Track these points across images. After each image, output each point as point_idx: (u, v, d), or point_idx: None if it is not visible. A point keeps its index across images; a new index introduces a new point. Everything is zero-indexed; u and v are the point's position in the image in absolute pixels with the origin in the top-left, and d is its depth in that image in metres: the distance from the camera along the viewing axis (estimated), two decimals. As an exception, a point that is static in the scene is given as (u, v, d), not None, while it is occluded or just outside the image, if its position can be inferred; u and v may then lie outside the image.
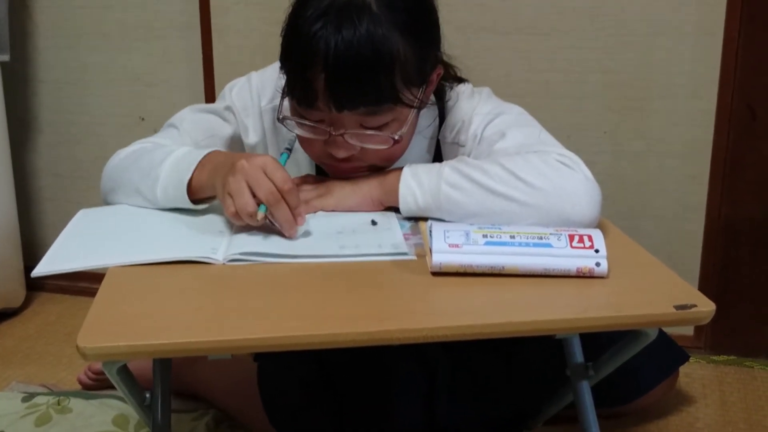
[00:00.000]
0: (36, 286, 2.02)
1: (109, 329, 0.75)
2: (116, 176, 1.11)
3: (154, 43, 1.85)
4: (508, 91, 1.59)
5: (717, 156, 1.59)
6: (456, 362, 1.27)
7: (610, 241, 0.91)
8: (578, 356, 1.07)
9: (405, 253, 0.93)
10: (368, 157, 1.07)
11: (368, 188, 1.07)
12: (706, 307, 0.79)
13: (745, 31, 1.51)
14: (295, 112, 1.06)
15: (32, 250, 2.01)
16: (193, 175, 1.02)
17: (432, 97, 1.13)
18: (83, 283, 1.97)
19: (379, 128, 1.03)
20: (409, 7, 1.01)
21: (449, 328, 0.77)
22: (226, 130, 1.20)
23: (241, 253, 0.91)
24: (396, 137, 1.04)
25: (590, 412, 1.04)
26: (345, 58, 0.96)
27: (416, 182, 1.01)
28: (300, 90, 1.01)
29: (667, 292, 0.82)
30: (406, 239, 0.97)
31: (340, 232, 0.98)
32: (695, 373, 1.60)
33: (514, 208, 0.95)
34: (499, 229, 0.89)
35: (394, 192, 1.03)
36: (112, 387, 1.36)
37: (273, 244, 0.94)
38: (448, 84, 1.18)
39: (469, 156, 1.07)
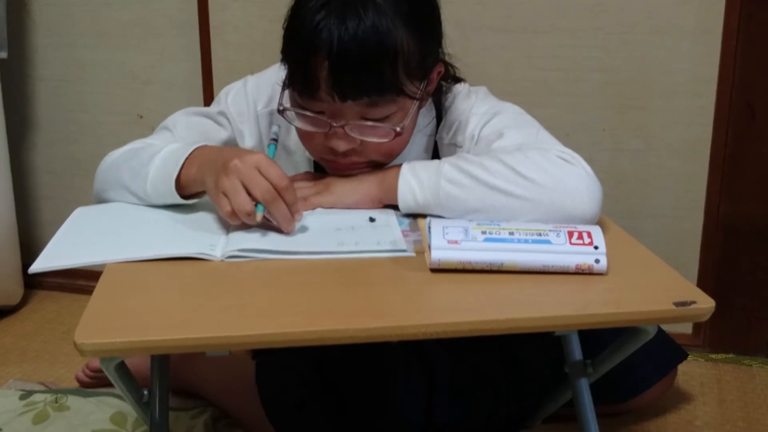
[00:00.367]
0: (33, 284, 2.02)
1: (106, 325, 0.75)
2: (108, 176, 1.11)
3: (153, 40, 1.85)
4: (508, 89, 1.59)
5: (716, 154, 1.59)
6: (455, 359, 1.27)
7: (610, 237, 0.90)
8: (577, 353, 1.07)
9: (404, 250, 0.92)
10: (368, 152, 1.06)
11: (367, 186, 1.07)
12: (706, 303, 0.79)
13: (744, 29, 1.51)
14: (295, 104, 1.06)
15: (30, 247, 2.01)
16: (181, 170, 1.02)
17: (429, 99, 1.13)
18: (81, 281, 1.96)
19: (380, 121, 1.03)
20: (413, 1, 1.01)
21: (448, 324, 0.76)
22: (221, 134, 1.19)
23: (239, 250, 0.91)
24: (398, 129, 1.03)
25: (589, 409, 1.04)
26: (349, 47, 0.96)
27: (415, 179, 1.01)
28: (302, 79, 1.01)
29: (666, 289, 0.82)
30: (404, 236, 0.97)
31: (338, 229, 0.98)
32: (694, 371, 1.60)
33: (515, 204, 0.95)
34: (498, 225, 0.89)
35: (393, 190, 1.02)
36: (110, 385, 1.36)
37: (271, 241, 0.94)
38: (445, 84, 1.18)
39: None
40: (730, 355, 1.67)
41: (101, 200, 1.13)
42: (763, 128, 1.55)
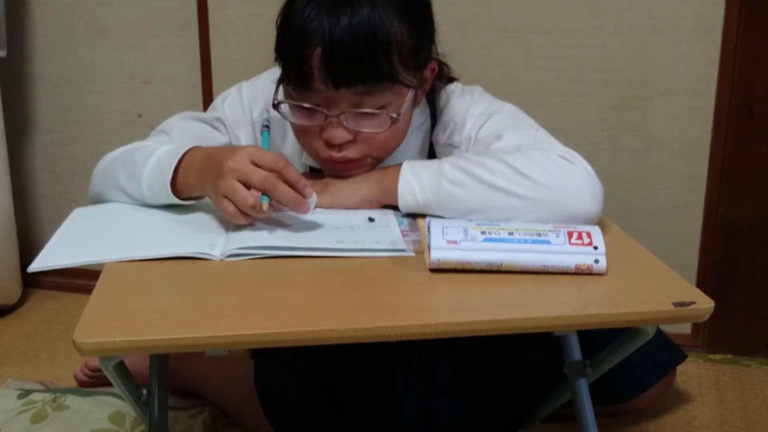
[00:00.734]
0: (32, 283, 2.02)
1: (106, 325, 0.75)
2: (104, 179, 1.11)
3: (152, 40, 1.85)
4: (507, 89, 1.59)
5: (715, 154, 1.59)
6: (454, 359, 1.27)
7: (609, 238, 0.90)
8: (576, 354, 1.07)
9: (403, 250, 0.92)
10: (364, 145, 1.06)
11: (367, 187, 1.07)
12: (705, 304, 0.79)
13: (743, 29, 1.51)
14: (290, 99, 1.06)
15: (29, 247, 2.01)
16: (177, 176, 1.02)
17: (423, 99, 1.13)
18: (80, 280, 1.96)
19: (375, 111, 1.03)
20: None
21: (447, 324, 0.77)
22: (218, 139, 1.19)
23: (239, 248, 0.91)
24: (394, 116, 1.03)
25: (588, 410, 1.04)
26: (342, 34, 0.96)
27: (415, 179, 1.01)
28: (296, 70, 1.01)
29: (665, 290, 0.82)
30: (404, 236, 0.97)
31: (337, 228, 0.98)
32: (692, 372, 1.60)
33: (516, 204, 0.95)
34: (498, 225, 0.89)
35: (393, 190, 1.03)
36: (109, 384, 1.36)
37: (271, 238, 0.94)
38: (439, 84, 1.18)
39: None
40: (729, 356, 1.67)
41: (97, 202, 1.13)
42: (762, 128, 1.55)
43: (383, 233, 0.97)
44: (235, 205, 0.93)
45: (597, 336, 0.98)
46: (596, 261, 0.86)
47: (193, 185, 1.01)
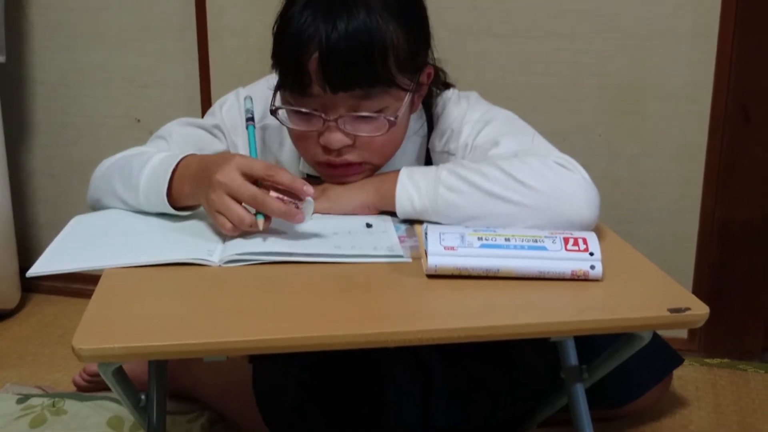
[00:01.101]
0: (31, 288, 2.02)
1: (104, 331, 0.75)
2: (101, 185, 1.11)
3: (150, 44, 1.85)
4: (504, 94, 1.60)
5: (711, 159, 1.60)
6: (451, 364, 1.27)
7: (605, 244, 0.91)
8: (572, 359, 1.07)
9: (400, 256, 0.93)
10: (362, 149, 1.06)
11: (365, 193, 1.07)
12: (700, 310, 0.80)
13: (739, 34, 1.52)
14: (287, 105, 1.06)
15: (27, 250, 2.01)
16: (172, 185, 1.02)
17: (420, 104, 1.14)
18: (78, 285, 1.96)
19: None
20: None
21: (444, 330, 0.77)
22: (216, 146, 1.19)
23: (237, 254, 0.91)
24: (391, 119, 1.04)
25: (584, 414, 1.04)
26: (339, 38, 0.97)
27: (413, 185, 1.02)
28: (293, 75, 1.02)
29: (661, 296, 0.83)
30: (401, 242, 0.97)
31: (335, 234, 0.98)
32: (689, 376, 1.61)
33: (513, 211, 0.96)
34: (494, 231, 0.89)
35: (390, 197, 1.03)
36: (107, 389, 1.35)
37: (269, 245, 0.94)
38: (436, 90, 1.19)
39: None
40: (726, 360, 1.68)
41: (96, 209, 1.13)
42: (758, 132, 1.56)
43: (381, 239, 0.97)
44: (231, 222, 0.93)
45: (593, 341, 0.98)
46: (592, 267, 0.86)
47: (188, 194, 1.01)
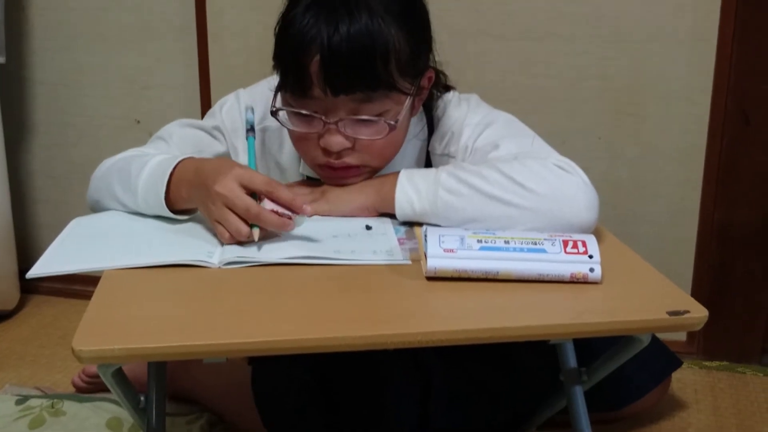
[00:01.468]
0: (30, 289, 2.02)
1: (104, 332, 0.75)
2: (101, 187, 1.12)
3: (150, 45, 1.85)
4: (503, 96, 1.60)
5: (711, 161, 1.60)
6: (450, 366, 1.27)
7: (604, 246, 0.91)
8: (572, 361, 1.07)
9: (399, 260, 0.93)
10: (362, 152, 1.06)
11: (364, 196, 1.07)
12: (699, 313, 0.80)
13: (738, 37, 1.52)
14: (288, 106, 1.06)
15: (27, 252, 2.01)
16: (170, 188, 1.02)
17: (420, 107, 1.14)
18: (77, 286, 1.96)
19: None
20: (403, 2, 1.03)
21: (444, 332, 0.77)
22: (216, 147, 1.20)
23: (237, 256, 0.91)
24: (392, 123, 1.04)
25: (583, 417, 1.05)
26: (341, 40, 0.97)
27: (413, 188, 1.02)
28: (295, 77, 1.02)
29: (660, 298, 0.83)
30: (401, 244, 0.97)
31: (335, 236, 0.99)
32: (687, 379, 1.61)
33: (513, 213, 0.96)
34: (494, 234, 0.89)
35: (390, 199, 1.03)
36: (107, 390, 1.36)
37: (268, 247, 0.94)
38: (436, 92, 1.19)
39: None
40: (724, 363, 1.68)
41: (95, 210, 1.13)
42: (757, 135, 1.56)
43: (380, 241, 0.97)
44: (229, 233, 0.94)
45: (592, 344, 0.99)
46: (591, 270, 0.86)
47: (185, 198, 1.01)
